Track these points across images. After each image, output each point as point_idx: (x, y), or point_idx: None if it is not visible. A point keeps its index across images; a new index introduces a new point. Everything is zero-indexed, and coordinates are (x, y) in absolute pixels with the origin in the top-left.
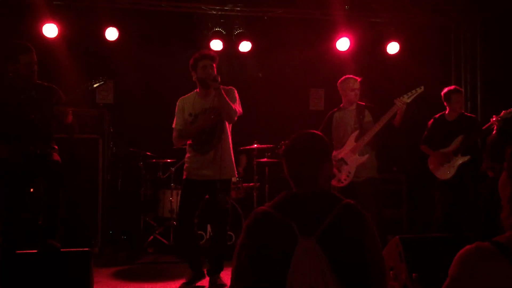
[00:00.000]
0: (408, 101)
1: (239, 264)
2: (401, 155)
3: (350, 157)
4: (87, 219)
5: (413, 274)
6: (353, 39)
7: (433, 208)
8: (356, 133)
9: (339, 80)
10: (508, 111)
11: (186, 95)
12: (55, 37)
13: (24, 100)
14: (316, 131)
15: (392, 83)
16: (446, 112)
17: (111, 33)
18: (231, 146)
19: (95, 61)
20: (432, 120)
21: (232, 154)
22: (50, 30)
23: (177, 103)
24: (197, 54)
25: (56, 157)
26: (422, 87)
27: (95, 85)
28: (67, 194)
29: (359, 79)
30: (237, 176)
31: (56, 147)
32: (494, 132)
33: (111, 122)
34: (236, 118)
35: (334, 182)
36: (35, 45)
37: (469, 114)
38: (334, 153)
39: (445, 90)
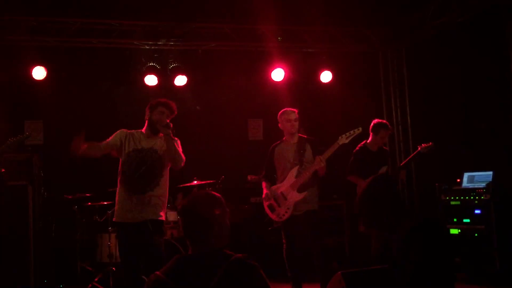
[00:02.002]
0: (347, 141)
1: None
2: (340, 182)
3: (290, 193)
4: (19, 271)
5: None
6: (287, 70)
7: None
8: (295, 168)
9: (278, 113)
10: (426, 145)
11: (132, 131)
12: None
13: None
14: (211, 192)
15: (327, 110)
16: (369, 141)
17: (39, 72)
18: (167, 188)
19: (23, 101)
20: (356, 150)
21: (167, 195)
22: None
23: (121, 132)
24: (162, 99)
25: None
26: (360, 128)
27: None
28: None
29: (296, 111)
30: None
31: None
32: None
33: (41, 165)
34: (182, 165)
35: (274, 217)
36: None
37: (385, 148)
38: (275, 187)
39: (376, 122)
